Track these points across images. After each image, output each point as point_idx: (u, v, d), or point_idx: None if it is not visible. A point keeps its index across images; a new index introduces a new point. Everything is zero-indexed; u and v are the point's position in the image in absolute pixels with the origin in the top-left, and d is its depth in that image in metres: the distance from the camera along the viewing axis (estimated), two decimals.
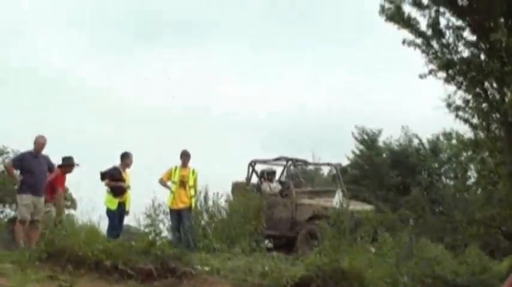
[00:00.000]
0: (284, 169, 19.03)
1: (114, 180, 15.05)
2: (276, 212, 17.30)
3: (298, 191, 17.75)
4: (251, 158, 18.55)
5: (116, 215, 14.98)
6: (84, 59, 45.36)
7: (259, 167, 18.63)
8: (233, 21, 49.09)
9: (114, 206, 14.89)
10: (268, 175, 18.41)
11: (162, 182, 15.92)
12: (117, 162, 15.34)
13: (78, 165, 14.78)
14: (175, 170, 15.85)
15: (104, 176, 15.15)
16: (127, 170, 15.40)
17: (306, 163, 20.94)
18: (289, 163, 18.89)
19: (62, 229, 12.55)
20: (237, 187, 18.02)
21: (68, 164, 14.64)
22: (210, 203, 17.24)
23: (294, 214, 17.15)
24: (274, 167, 18.97)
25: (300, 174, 21.95)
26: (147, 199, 15.44)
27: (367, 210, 16.78)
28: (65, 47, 45.91)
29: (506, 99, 14.87)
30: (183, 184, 15.69)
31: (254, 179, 18.49)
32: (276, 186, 18.28)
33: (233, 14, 48.90)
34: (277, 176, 18.92)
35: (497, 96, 15.49)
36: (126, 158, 15.34)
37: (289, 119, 42.15)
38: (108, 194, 15.03)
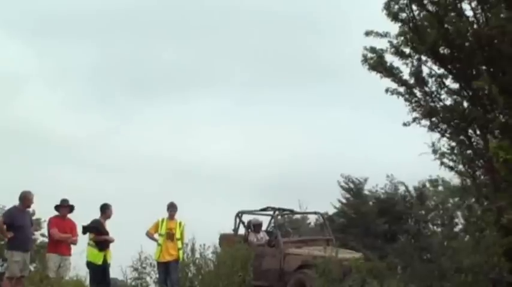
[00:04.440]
0: (271, 219, 18.99)
1: (99, 234, 14.94)
2: (264, 262, 17.21)
3: (286, 240, 17.70)
4: (237, 209, 18.52)
5: (100, 269, 14.84)
6: (66, 113, 45.31)
7: (246, 218, 18.59)
8: (219, 75, 49.30)
9: (100, 260, 14.76)
10: (254, 226, 18.35)
11: (149, 235, 15.85)
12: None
13: (73, 206, 14.74)
14: (162, 222, 15.80)
15: (87, 230, 14.99)
16: (107, 221, 15.33)
17: (292, 212, 20.92)
18: (276, 212, 18.86)
19: (47, 285, 12.47)
20: (224, 239, 17.97)
21: (66, 205, 14.59)
22: (197, 255, 17.17)
23: (282, 263, 17.06)
24: (261, 218, 18.93)
25: (287, 224, 21.92)
26: (133, 251, 15.37)
27: (356, 258, 16.72)
28: (38, 99, 45.68)
29: (490, 146, 14.95)
30: (170, 236, 15.63)
31: (242, 230, 18.44)
32: (263, 236, 18.22)
33: (220, 66, 49.18)
34: (264, 226, 18.87)
35: (481, 143, 15.58)
36: (107, 209, 15.24)
37: (275, 169, 42.17)
38: (92, 249, 14.88)
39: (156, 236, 15.81)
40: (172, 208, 15.88)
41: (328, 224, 20.00)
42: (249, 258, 16.50)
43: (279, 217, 19.25)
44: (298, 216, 29.51)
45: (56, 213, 14.83)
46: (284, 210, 19.52)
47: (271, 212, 18.92)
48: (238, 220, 18.33)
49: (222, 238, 18.09)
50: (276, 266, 17.10)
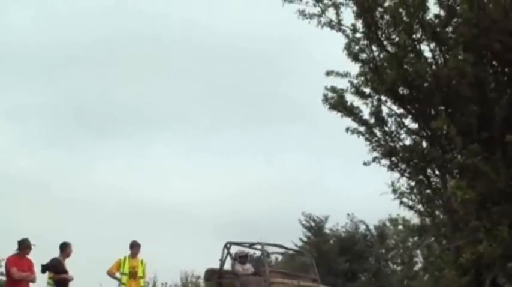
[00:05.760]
0: (261, 254, 19.00)
1: (58, 272, 14.73)
2: None
3: (271, 270, 17.85)
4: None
5: None
6: (24, 152, 44.86)
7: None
8: (180, 114, 49.26)
9: None
10: (240, 257, 18.38)
11: (111, 274, 15.66)
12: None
13: (34, 245, 14.49)
14: (125, 260, 15.64)
15: (46, 268, 14.76)
16: (66, 260, 15.12)
17: (282, 247, 21.09)
18: (265, 246, 18.98)
19: None
20: (209, 273, 18.00)
21: (25, 246, 14.35)
22: None
23: None
24: (247, 250, 18.94)
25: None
26: None
27: None
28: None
29: (449, 186, 15.13)
30: (133, 275, 15.47)
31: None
32: (249, 267, 18.23)
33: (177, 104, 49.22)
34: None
35: (440, 183, 15.77)
36: (66, 248, 15.01)
37: (237, 207, 42.07)
38: None
39: (117, 274, 15.65)
40: (135, 246, 15.76)
41: (314, 264, 20.10)
42: None
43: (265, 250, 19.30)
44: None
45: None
46: (273, 245, 19.66)
47: (259, 246, 19.00)
48: (226, 251, 18.34)
49: (207, 272, 18.11)
50: None
